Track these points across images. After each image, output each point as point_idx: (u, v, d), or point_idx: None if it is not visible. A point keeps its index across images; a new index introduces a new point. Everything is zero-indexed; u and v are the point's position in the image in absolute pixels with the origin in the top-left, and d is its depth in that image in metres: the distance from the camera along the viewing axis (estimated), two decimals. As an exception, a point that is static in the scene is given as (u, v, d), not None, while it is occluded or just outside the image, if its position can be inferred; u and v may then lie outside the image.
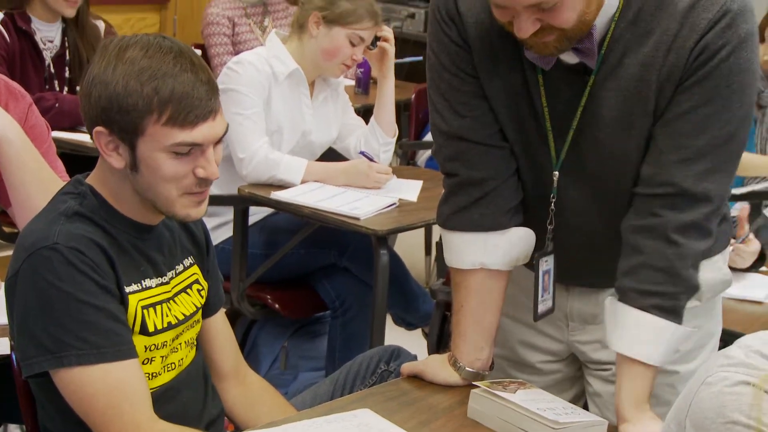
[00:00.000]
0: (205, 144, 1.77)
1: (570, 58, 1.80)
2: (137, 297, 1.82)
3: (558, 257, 1.98)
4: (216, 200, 3.35)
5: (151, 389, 1.84)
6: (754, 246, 2.86)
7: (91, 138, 1.81)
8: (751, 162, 3.66)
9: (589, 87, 1.81)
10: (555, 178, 1.90)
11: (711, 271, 1.97)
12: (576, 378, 2.13)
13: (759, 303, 2.67)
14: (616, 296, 1.85)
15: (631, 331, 1.82)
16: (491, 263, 1.97)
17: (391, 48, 3.53)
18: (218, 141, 1.80)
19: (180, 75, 1.73)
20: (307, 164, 3.28)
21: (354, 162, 3.40)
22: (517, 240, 1.97)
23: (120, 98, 1.73)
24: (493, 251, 1.97)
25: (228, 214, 3.35)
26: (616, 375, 1.88)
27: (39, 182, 2.22)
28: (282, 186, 3.22)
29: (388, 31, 3.55)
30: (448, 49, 1.89)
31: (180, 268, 1.95)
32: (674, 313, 1.81)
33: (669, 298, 1.80)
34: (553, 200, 1.92)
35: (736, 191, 3.35)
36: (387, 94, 3.56)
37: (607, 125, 1.81)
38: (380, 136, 3.52)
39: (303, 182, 3.24)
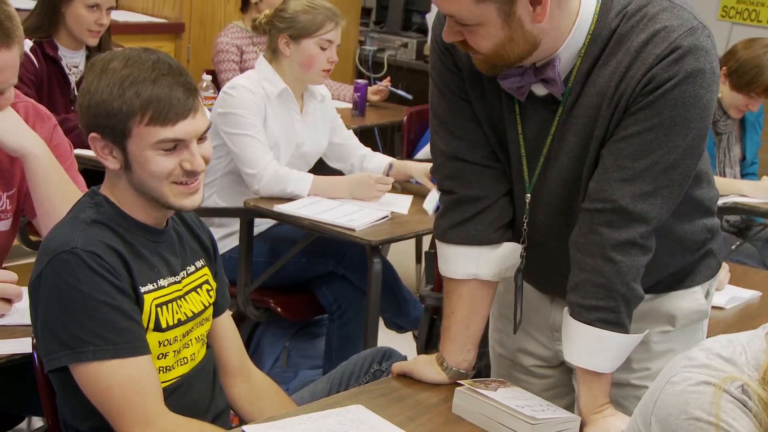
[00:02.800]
0: (187, 139, 1.79)
1: (539, 89, 1.79)
2: (152, 296, 1.82)
3: (536, 272, 1.98)
4: (223, 212, 3.37)
5: (165, 382, 1.83)
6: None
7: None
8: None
9: (558, 116, 1.80)
10: (527, 200, 1.89)
11: (687, 300, 1.96)
12: (572, 386, 2.10)
13: (721, 308, 2.66)
14: (568, 310, 1.84)
15: (580, 344, 1.82)
16: (483, 274, 1.96)
17: None
18: (202, 137, 1.82)
19: (158, 79, 1.75)
20: (313, 178, 3.27)
21: (357, 176, 3.38)
22: (507, 254, 1.96)
23: (106, 104, 1.75)
24: (485, 264, 1.96)
25: (235, 225, 3.35)
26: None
27: (62, 194, 2.22)
28: (288, 199, 3.21)
29: None
30: (445, 75, 1.89)
31: (192, 269, 1.95)
32: (617, 324, 1.79)
33: (610, 311, 1.78)
34: (526, 220, 1.91)
35: (721, 204, 3.32)
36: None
37: (571, 150, 1.80)
38: (377, 167, 3.49)
39: (310, 195, 3.23)
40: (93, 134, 1.80)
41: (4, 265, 2.36)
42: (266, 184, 3.21)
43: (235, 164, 3.30)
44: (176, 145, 1.78)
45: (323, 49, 3.32)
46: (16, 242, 2.50)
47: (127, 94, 1.74)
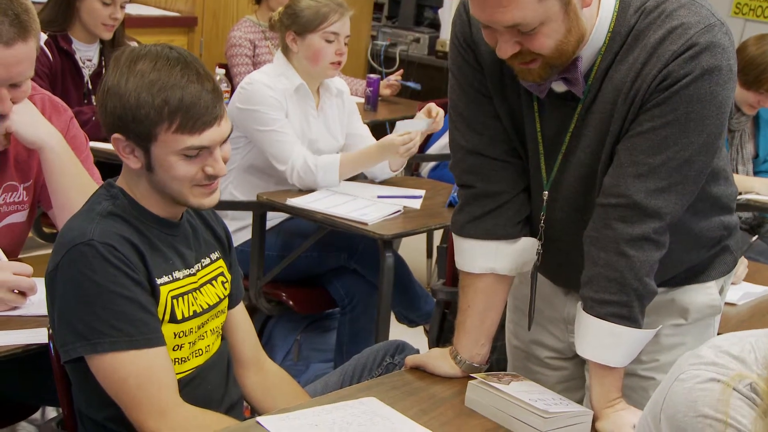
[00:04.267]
0: (212, 146, 1.80)
1: (559, 86, 1.80)
2: (167, 288, 1.83)
3: (552, 266, 1.99)
4: (236, 205, 3.38)
5: (180, 374, 1.85)
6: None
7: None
8: None
9: (577, 114, 1.81)
10: (544, 198, 1.91)
11: (701, 294, 1.97)
12: (585, 379, 2.11)
13: (733, 305, 2.67)
14: (581, 304, 1.85)
15: (593, 338, 1.82)
16: (500, 269, 1.98)
17: (439, 125, 3.42)
18: (224, 141, 1.83)
19: (187, 86, 1.75)
20: (340, 161, 3.26)
21: (380, 143, 3.33)
22: (524, 249, 1.98)
23: (134, 109, 1.75)
24: (502, 258, 1.97)
25: (248, 218, 3.36)
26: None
27: (78, 186, 2.24)
28: (303, 192, 3.23)
29: (439, 111, 3.39)
30: (466, 71, 1.90)
31: (207, 261, 1.97)
32: (630, 319, 1.79)
33: (622, 306, 1.78)
34: (543, 217, 1.92)
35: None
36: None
37: (588, 146, 1.81)
38: (383, 165, 3.50)
39: (342, 176, 3.29)
40: (116, 135, 1.80)
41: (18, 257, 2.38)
42: (299, 179, 3.23)
43: (252, 156, 3.33)
44: (200, 152, 1.80)
45: (329, 41, 3.31)
46: (30, 234, 2.52)
47: (156, 100, 1.73)
